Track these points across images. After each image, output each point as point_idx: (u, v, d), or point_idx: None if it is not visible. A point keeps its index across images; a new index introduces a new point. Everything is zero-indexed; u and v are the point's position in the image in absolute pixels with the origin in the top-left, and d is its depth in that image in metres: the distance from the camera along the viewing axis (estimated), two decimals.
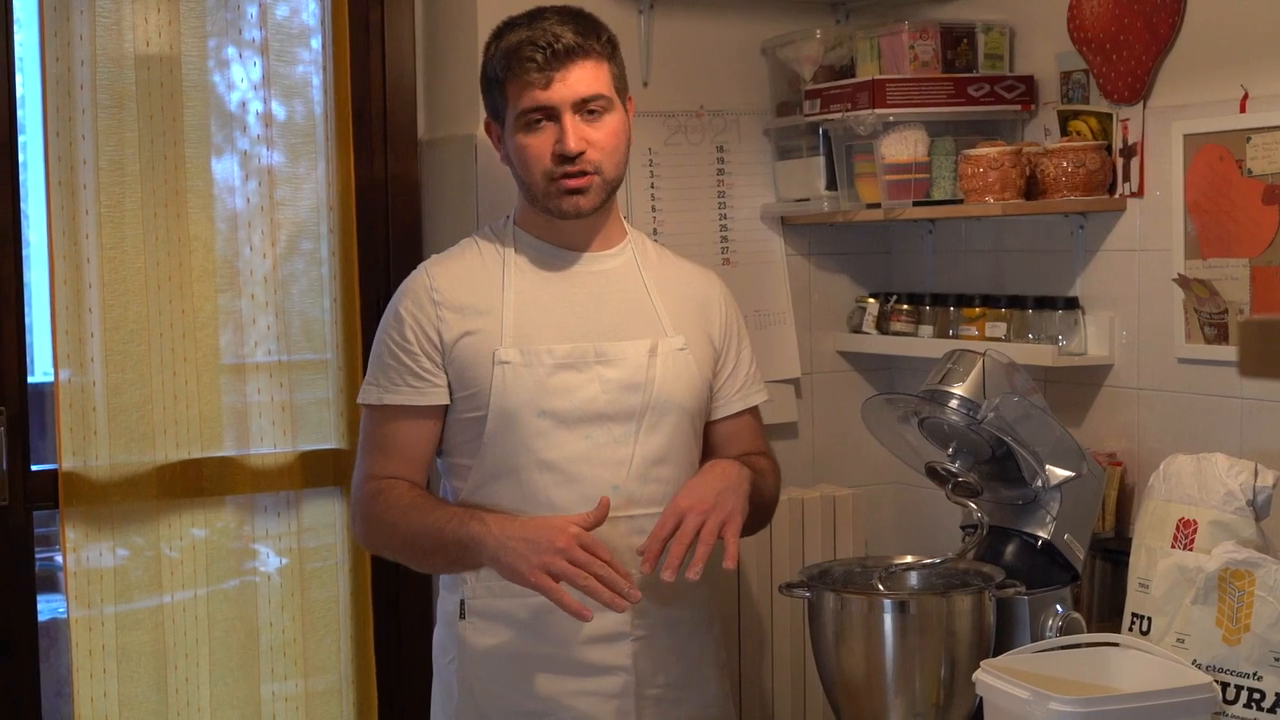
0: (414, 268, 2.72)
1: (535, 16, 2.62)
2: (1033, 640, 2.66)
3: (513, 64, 2.57)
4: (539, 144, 2.58)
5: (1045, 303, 3.16)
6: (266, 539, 3.30)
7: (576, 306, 2.65)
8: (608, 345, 2.62)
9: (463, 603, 2.66)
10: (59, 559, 3.15)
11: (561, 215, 2.62)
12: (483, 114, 2.72)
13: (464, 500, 2.64)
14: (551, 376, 2.59)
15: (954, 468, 2.78)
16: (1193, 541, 2.57)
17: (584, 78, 2.57)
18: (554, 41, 2.55)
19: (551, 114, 2.57)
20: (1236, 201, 2.81)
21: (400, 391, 2.63)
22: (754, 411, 2.84)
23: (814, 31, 3.40)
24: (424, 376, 2.62)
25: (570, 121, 2.56)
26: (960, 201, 3.19)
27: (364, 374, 3.23)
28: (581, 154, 2.57)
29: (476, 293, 2.64)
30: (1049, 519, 2.78)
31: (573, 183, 2.59)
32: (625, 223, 2.79)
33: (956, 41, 3.29)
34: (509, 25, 2.64)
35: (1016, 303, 3.22)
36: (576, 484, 2.58)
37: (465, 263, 2.69)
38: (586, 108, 2.58)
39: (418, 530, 2.57)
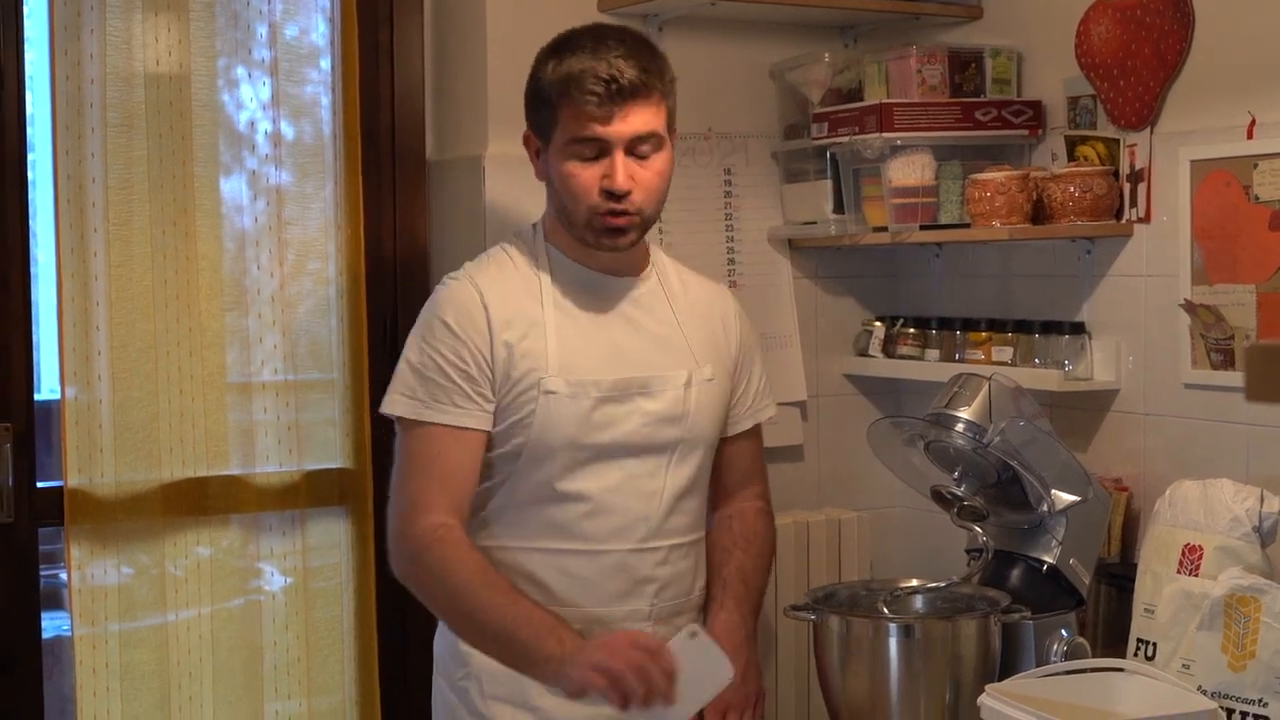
0: (421, 288, 2.69)
1: (599, 41, 2.52)
2: (1037, 665, 2.66)
3: (571, 90, 2.47)
4: (588, 176, 2.51)
5: (1052, 327, 3.16)
6: (271, 558, 3.29)
7: (615, 335, 2.60)
8: (649, 376, 2.58)
9: None
10: (63, 576, 3.14)
11: (599, 249, 2.58)
12: (494, 128, 2.67)
13: (481, 524, 2.59)
14: (596, 410, 2.54)
15: (960, 491, 2.78)
16: (1198, 567, 2.56)
17: (642, 116, 2.50)
18: (619, 76, 2.46)
19: (604, 148, 2.51)
20: (1243, 227, 2.82)
21: (449, 411, 2.53)
22: (759, 430, 2.81)
23: (822, 55, 3.41)
24: (476, 399, 2.53)
25: (621, 159, 2.50)
26: (967, 225, 3.19)
27: (370, 393, 3.27)
28: (628, 193, 2.52)
29: (520, 313, 2.57)
30: (1054, 544, 2.78)
31: (617, 221, 2.53)
32: (645, 241, 2.75)
33: (964, 66, 3.29)
34: (569, 45, 2.53)
35: (1023, 327, 3.22)
36: (609, 515, 2.56)
37: (505, 278, 2.61)
38: (638, 148, 2.52)
39: (486, 614, 2.46)
